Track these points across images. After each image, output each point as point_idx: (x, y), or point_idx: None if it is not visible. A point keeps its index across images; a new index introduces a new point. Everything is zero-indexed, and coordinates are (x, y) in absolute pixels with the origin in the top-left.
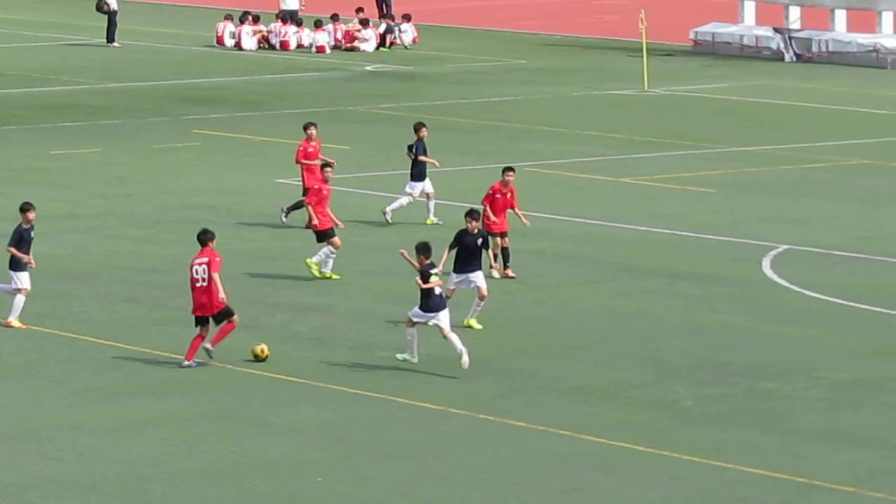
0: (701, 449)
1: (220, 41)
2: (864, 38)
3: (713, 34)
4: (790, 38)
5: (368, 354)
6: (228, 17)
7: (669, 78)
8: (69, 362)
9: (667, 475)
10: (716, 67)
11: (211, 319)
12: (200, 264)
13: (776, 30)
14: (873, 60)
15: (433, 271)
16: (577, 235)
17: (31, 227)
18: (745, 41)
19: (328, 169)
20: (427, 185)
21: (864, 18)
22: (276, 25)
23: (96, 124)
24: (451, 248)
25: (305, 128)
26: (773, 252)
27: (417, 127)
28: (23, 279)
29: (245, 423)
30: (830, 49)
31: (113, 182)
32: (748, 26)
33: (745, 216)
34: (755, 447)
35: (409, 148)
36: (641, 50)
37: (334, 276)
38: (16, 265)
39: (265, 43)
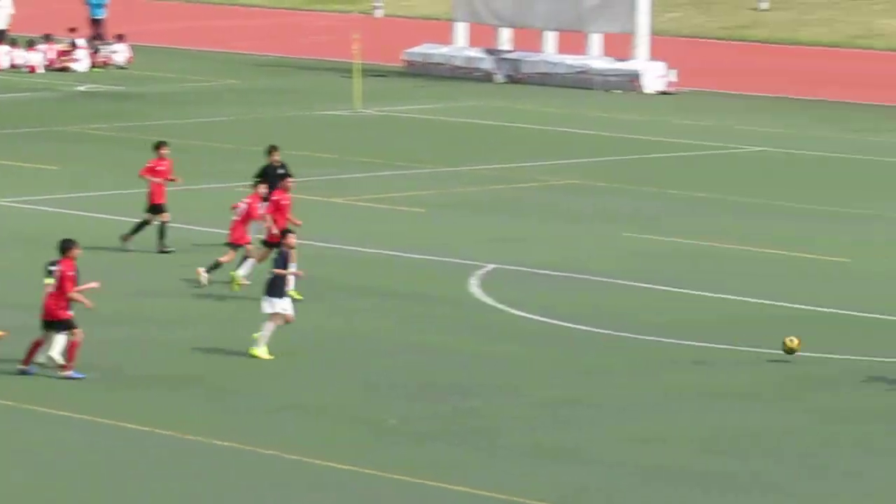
0: (408, 468)
1: None
2: (572, 60)
3: (425, 55)
4: (501, 59)
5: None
6: None
7: (382, 99)
8: None
9: (372, 494)
10: (428, 88)
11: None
12: (54, 271)
13: (487, 51)
14: (582, 81)
15: None
16: None
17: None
18: (457, 62)
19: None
20: None
21: (574, 40)
22: None
23: None
24: None
25: (158, 146)
26: (481, 271)
27: None
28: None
29: None
30: (540, 70)
31: None
32: (460, 48)
33: (454, 236)
34: (462, 465)
35: None
36: (355, 70)
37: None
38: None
39: None
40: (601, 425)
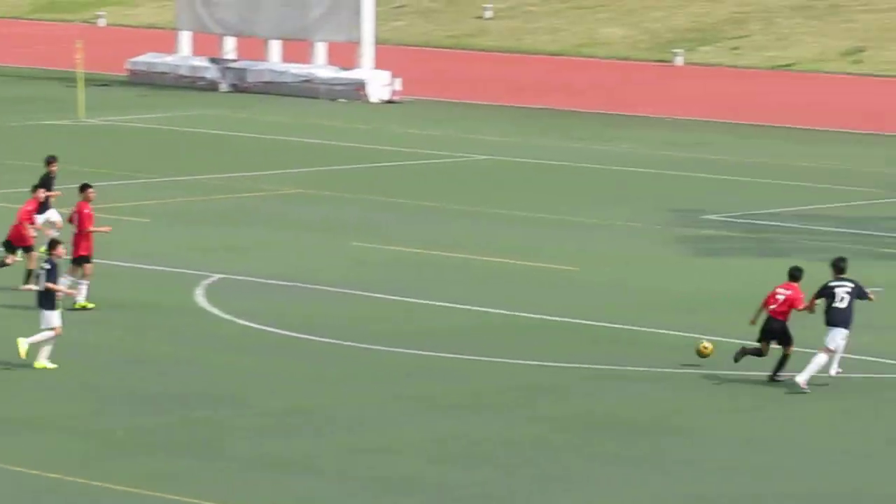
0: (135, 479)
1: None
2: (298, 69)
3: (149, 64)
4: (226, 68)
5: None
6: None
7: (105, 108)
8: None
9: None
10: (152, 97)
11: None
12: None
13: (212, 60)
14: (307, 90)
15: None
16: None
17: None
18: (182, 71)
19: (90, 190)
20: None
21: (299, 49)
22: None
23: None
24: None
25: None
26: (207, 281)
27: None
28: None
29: None
30: (266, 79)
31: None
32: (184, 56)
33: (179, 246)
34: (190, 476)
35: None
36: (78, 80)
37: (89, 305)
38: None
39: None
40: (329, 435)
